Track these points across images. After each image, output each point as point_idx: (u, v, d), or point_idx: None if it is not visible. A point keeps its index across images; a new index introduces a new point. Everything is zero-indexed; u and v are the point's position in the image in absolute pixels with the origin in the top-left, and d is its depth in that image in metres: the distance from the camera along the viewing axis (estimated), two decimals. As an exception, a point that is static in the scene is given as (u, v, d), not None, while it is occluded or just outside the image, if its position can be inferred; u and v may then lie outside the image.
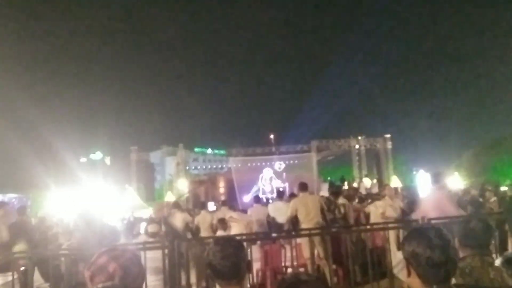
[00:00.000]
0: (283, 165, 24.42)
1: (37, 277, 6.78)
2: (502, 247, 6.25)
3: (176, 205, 9.40)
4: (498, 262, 2.33)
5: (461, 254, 2.13)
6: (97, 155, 36.15)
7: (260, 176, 23.72)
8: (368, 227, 7.45)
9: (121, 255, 2.00)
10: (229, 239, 2.28)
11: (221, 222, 8.19)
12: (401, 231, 6.61)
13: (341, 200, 8.47)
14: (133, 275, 1.97)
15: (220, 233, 8.11)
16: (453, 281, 1.67)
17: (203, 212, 9.45)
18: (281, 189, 17.11)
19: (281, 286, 1.57)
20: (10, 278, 5.82)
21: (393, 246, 6.55)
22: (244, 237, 6.08)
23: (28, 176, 26.23)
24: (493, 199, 10.79)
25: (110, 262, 1.93)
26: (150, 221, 11.81)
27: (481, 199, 10.42)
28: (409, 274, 1.66)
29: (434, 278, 1.59)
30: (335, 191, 9.64)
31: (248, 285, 2.98)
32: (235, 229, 8.35)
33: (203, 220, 8.83)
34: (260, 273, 6.77)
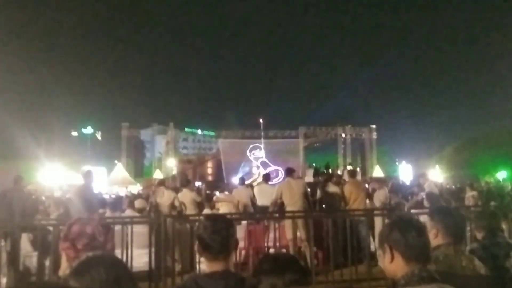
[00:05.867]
0: (270, 149, 24.54)
1: (24, 245, 6.85)
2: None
3: (162, 182, 9.48)
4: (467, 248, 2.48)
5: (434, 243, 2.23)
6: (88, 130, 35.83)
7: (251, 156, 23.59)
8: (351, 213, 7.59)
9: (90, 219, 2.06)
10: (220, 216, 2.40)
11: (208, 201, 8.34)
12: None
13: (332, 188, 8.44)
14: (111, 231, 2.07)
15: (206, 211, 8.28)
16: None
17: (185, 190, 9.56)
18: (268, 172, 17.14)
19: (261, 264, 1.67)
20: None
21: (377, 232, 6.78)
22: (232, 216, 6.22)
23: (19, 147, 25.88)
24: (472, 193, 11.27)
25: (84, 226, 1.96)
26: (137, 196, 11.90)
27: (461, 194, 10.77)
28: (392, 260, 1.81)
29: (415, 260, 1.75)
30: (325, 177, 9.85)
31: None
32: (223, 209, 8.50)
33: (184, 198, 8.97)
34: (243, 252, 6.95)
